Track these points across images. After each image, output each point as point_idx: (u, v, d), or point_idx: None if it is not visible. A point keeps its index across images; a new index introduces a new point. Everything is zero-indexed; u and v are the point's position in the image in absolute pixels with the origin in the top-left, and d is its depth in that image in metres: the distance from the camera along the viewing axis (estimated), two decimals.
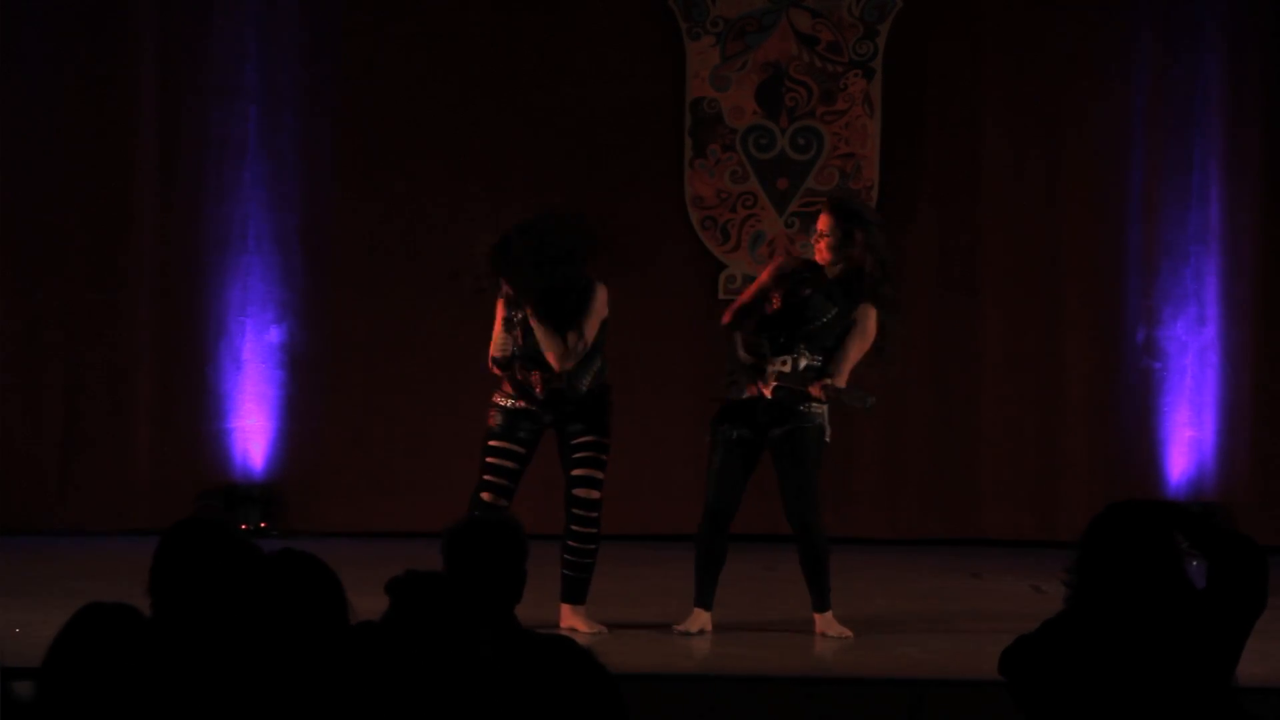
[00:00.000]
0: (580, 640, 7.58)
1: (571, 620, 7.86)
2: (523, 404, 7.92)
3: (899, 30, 10.96)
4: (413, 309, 10.97)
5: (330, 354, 11.07)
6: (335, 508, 10.86)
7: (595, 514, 7.87)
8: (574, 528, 7.88)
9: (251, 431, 11.05)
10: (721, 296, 10.91)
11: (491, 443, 7.92)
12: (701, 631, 7.84)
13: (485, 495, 7.85)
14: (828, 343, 7.85)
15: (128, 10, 10.94)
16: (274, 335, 11.08)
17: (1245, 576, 4.58)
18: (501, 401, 7.96)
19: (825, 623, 7.86)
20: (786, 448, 7.80)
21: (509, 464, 7.89)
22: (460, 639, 4.04)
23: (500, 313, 7.98)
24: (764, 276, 8.00)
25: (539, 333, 7.83)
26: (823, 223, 7.91)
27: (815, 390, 7.73)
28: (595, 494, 7.86)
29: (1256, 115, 10.88)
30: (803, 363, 7.81)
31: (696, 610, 7.88)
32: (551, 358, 7.83)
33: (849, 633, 7.84)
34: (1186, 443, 10.94)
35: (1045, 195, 10.99)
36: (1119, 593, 4.49)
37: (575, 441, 7.90)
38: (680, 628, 7.86)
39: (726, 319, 7.94)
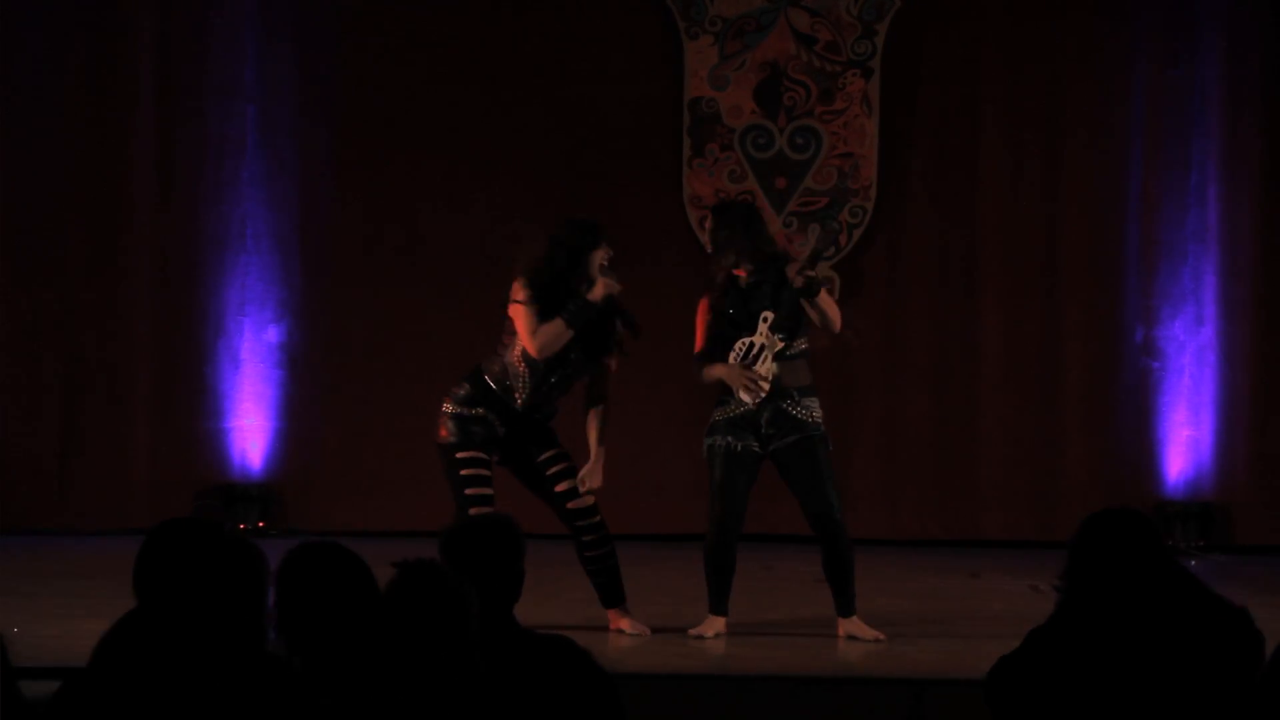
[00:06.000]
0: (626, 640, 7.65)
1: (618, 623, 7.86)
2: (480, 411, 7.80)
3: (897, 29, 10.96)
4: (411, 308, 10.97)
5: (328, 353, 11.07)
6: (333, 507, 10.86)
7: (598, 517, 7.84)
8: (585, 539, 7.83)
9: (250, 431, 11.05)
10: None
11: (459, 455, 7.75)
12: (717, 635, 7.81)
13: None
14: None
15: (127, 10, 10.94)
16: (272, 334, 11.08)
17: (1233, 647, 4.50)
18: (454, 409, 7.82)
19: (854, 625, 7.84)
20: (799, 457, 7.76)
21: (485, 472, 7.77)
22: (464, 637, 4.04)
23: None
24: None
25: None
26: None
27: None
28: (590, 499, 7.84)
29: (1255, 115, 10.88)
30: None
31: (712, 617, 7.85)
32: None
33: (881, 634, 7.80)
34: (1184, 442, 10.94)
35: (1044, 195, 10.98)
36: (1110, 597, 4.48)
37: (543, 458, 7.84)
38: (695, 631, 7.82)
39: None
